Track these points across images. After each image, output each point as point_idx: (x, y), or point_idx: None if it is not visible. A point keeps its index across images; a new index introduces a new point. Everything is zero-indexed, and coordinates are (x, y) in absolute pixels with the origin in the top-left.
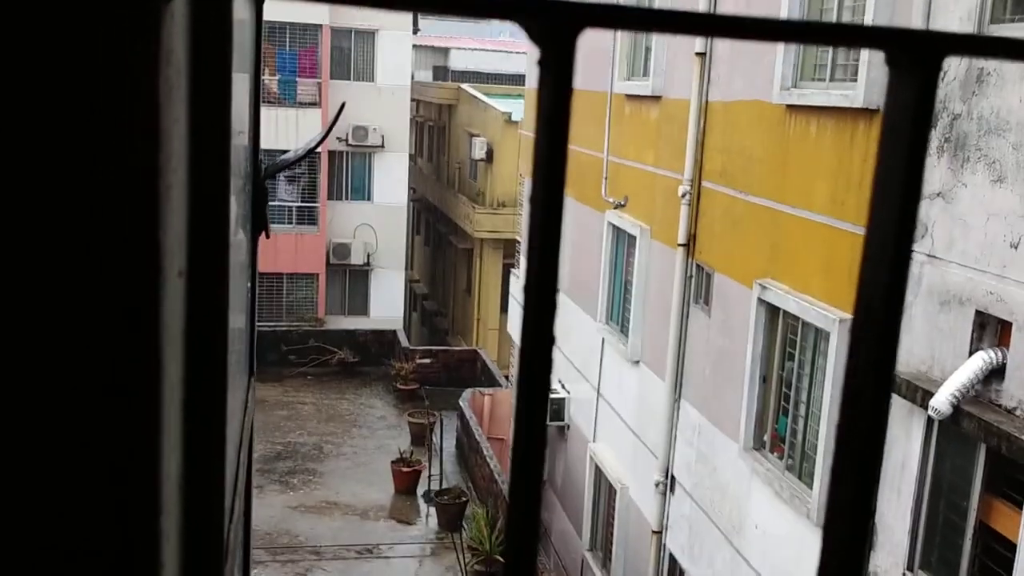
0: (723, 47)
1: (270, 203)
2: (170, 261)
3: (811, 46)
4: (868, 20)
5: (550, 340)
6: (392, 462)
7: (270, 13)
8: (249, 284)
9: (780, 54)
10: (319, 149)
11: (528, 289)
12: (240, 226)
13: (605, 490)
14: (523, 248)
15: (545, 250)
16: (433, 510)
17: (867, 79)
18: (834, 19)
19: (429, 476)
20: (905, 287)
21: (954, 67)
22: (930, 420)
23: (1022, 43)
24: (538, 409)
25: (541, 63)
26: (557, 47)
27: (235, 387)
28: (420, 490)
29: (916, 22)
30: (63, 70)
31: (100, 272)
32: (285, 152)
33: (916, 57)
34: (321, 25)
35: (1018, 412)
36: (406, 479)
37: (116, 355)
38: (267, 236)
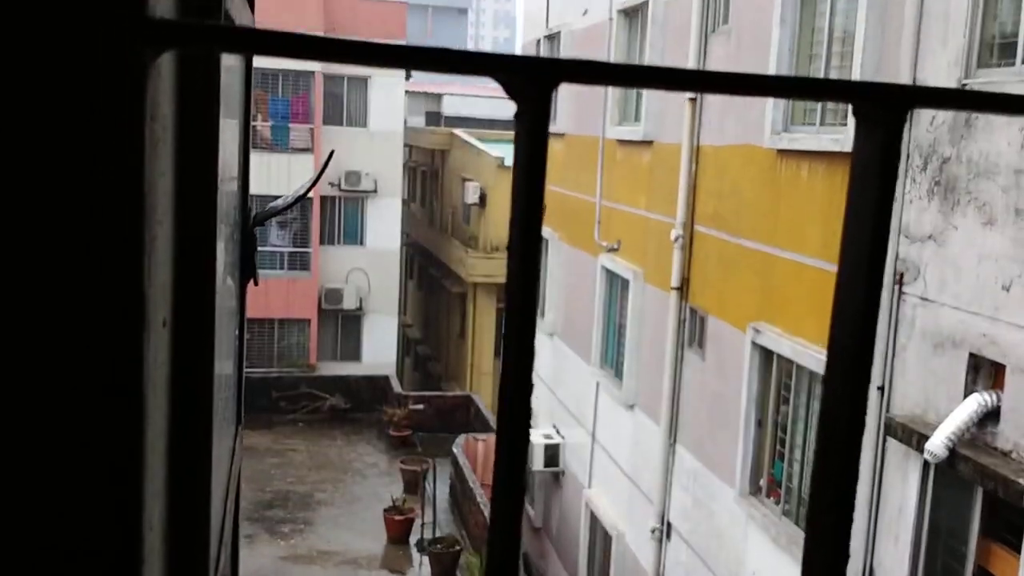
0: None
1: (262, 248)
2: (155, 311)
3: (780, 99)
4: (856, 63)
5: (528, 386)
6: (384, 510)
7: (262, 60)
8: (237, 331)
9: (770, 99)
10: (311, 194)
11: (507, 340)
12: (228, 273)
13: (601, 537)
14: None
15: (523, 295)
16: (426, 559)
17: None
18: (823, 62)
19: (422, 524)
20: (874, 338)
21: (942, 111)
22: (926, 464)
23: (985, 95)
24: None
25: (517, 116)
26: (533, 101)
27: (222, 435)
28: (413, 539)
29: (904, 66)
30: (50, 125)
31: (83, 322)
32: (278, 198)
33: (881, 109)
34: (314, 72)
35: (1014, 455)
36: (399, 528)
37: (98, 404)
38: (255, 283)
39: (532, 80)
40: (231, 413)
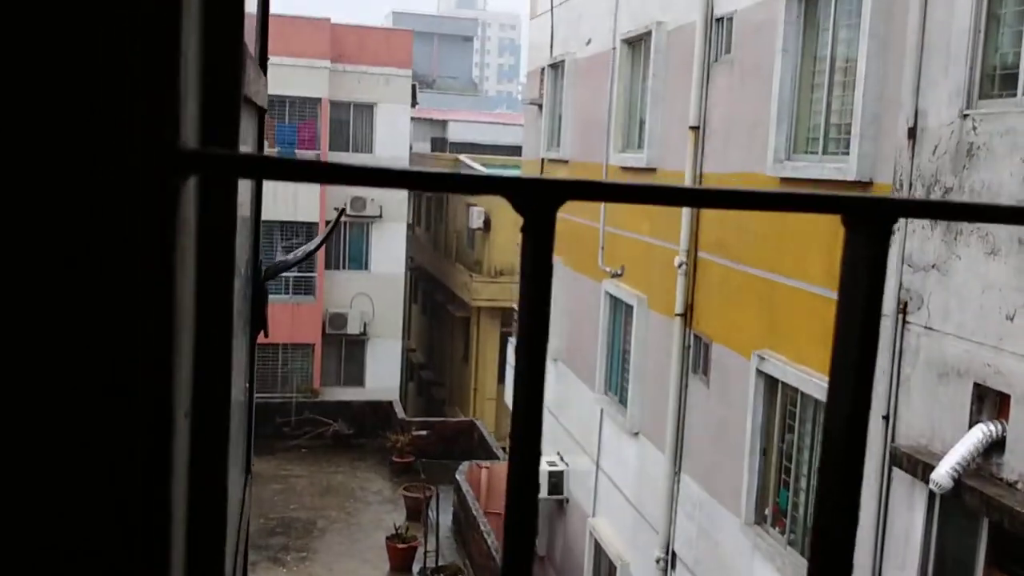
0: (717, 120)
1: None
2: (178, 406)
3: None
4: (859, 93)
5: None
6: (387, 538)
7: (270, 86)
8: (247, 384)
9: (773, 127)
10: (316, 219)
11: (513, 439)
12: (240, 329)
13: (605, 566)
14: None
15: (529, 400)
16: None
17: (859, 152)
18: (825, 92)
19: (425, 552)
20: (865, 438)
21: (944, 140)
22: (932, 494)
23: (969, 207)
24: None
25: (524, 230)
26: (539, 217)
27: (231, 489)
28: (416, 567)
29: (906, 96)
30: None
31: (113, 419)
32: (284, 223)
33: (869, 220)
34: (320, 98)
35: (1019, 485)
36: (401, 556)
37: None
38: (266, 335)
39: (539, 199)
40: (240, 465)
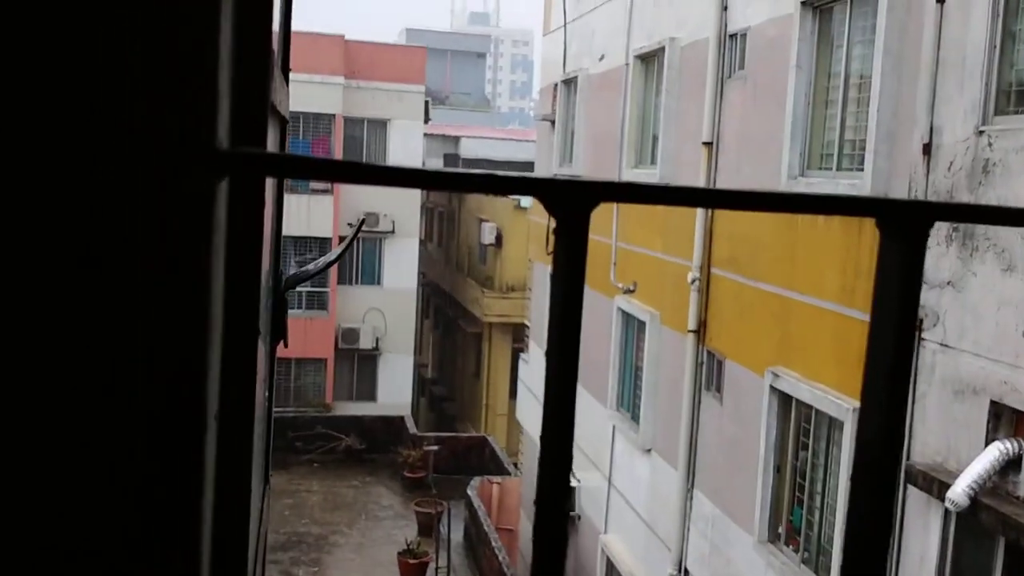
0: (730, 136)
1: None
2: (209, 408)
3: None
4: (873, 109)
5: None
6: (398, 553)
7: None
8: (267, 393)
9: (787, 142)
10: (330, 234)
11: (544, 445)
12: (261, 339)
13: None
14: (530, 340)
15: (561, 400)
16: None
17: (874, 169)
18: (839, 108)
19: (436, 568)
20: (902, 447)
21: (959, 156)
22: (947, 512)
23: (1006, 210)
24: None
25: (557, 231)
26: (572, 218)
27: (252, 499)
28: None
29: (920, 113)
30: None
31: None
32: (298, 238)
33: (904, 223)
34: (334, 115)
35: None
36: (413, 571)
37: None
38: (285, 345)
39: (572, 199)
40: (260, 474)
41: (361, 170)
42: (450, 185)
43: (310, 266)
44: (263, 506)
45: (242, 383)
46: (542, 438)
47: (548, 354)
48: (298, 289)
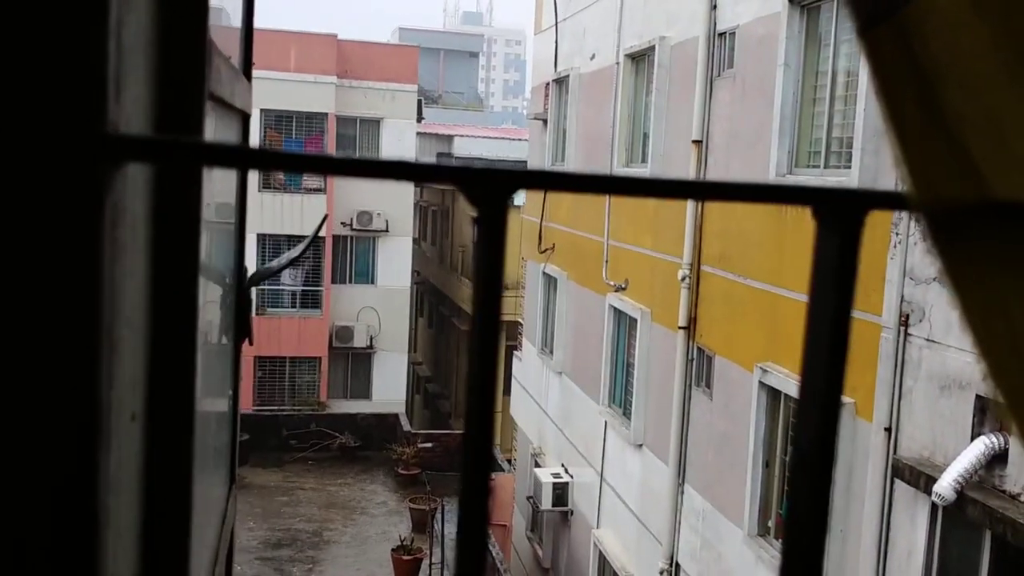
0: (719, 134)
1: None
2: (119, 409)
3: (752, 203)
4: (860, 107)
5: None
6: (392, 550)
7: (277, 102)
8: (232, 392)
9: (775, 141)
10: (323, 233)
11: (466, 442)
12: (224, 334)
13: None
14: (523, 338)
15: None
16: None
17: (861, 166)
18: (827, 106)
19: (431, 564)
20: (837, 429)
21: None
22: (934, 507)
23: None
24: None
25: (476, 222)
26: (491, 208)
27: (211, 498)
28: None
29: None
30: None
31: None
32: (291, 237)
33: (840, 213)
34: (327, 113)
35: (1022, 498)
36: (407, 567)
37: (54, 503)
38: (250, 343)
39: (490, 189)
40: (224, 476)
41: (263, 157)
42: (361, 172)
43: (273, 263)
44: (227, 506)
45: (178, 381)
46: (463, 436)
47: (470, 347)
48: (291, 288)
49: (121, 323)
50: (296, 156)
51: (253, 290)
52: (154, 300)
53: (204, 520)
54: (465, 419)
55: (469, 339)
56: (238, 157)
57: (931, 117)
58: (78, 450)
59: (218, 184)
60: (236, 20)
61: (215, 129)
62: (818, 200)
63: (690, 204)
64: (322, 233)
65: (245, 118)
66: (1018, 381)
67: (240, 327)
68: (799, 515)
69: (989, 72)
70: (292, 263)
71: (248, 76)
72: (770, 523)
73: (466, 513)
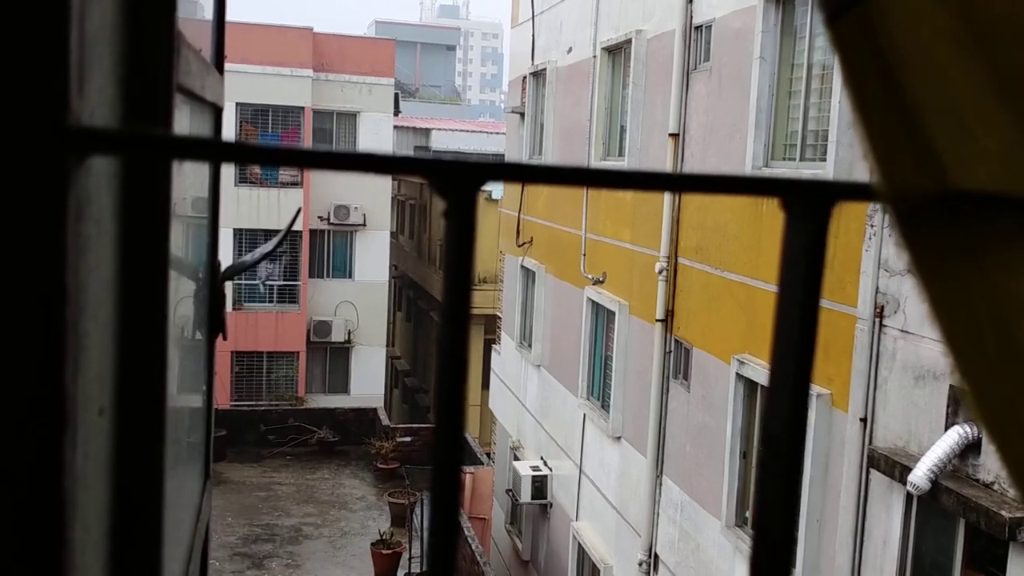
0: (696, 127)
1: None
2: (86, 404)
3: (722, 195)
4: (835, 99)
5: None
6: (372, 544)
7: (253, 95)
8: (206, 387)
9: (751, 133)
10: (300, 228)
11: (438, 429)
12: (196, 329)
13: (589, 570)
14: (502, 331)
15: (451, 382)
16: None
17: (836, 159)
18: (802, 98)
19: (410, 558)
20: (805, 423)
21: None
22: (909, 496)
23: None
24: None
25: (445, 214)
26: (461, 199)
27: (185, 494)
28: (401, 573)
29: None
30: None
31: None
32: (268, 231)
33: (809, 204)
34: (303, 107)
35: (995, 487)
36: (386, 562)
37: (16, 508)
38: (224, 338)
39: (458, 182)
40: (198, 471)
41: (232, 149)
42: (330, 164)
43: (247, 257)
44: (202, 501)
45: (147, 376)
46: (435, 430)
47: (439, 338)
48: (269, 283)
49: (87, 318)
50: (265, 148)
51: (227, 284)
52: (122, 294)
53: (178, 516)
54: (435, 407)
55: (438, 332)
56: (206, 150)
57: (895, 107)
58: (43, 442)
59: (190, 178)
60: (208, 13)
61: (186, 123)
62: (787, 191)
63: (667, 197)
64: (299, 227)
65: (217, 112)
66: (982, 373)
67: (213, 322)
68: (769, 501)
69: (949, 62)
70: (266, 257)
71: (220, 69)
72: (748, 514)
73: (438, 501)
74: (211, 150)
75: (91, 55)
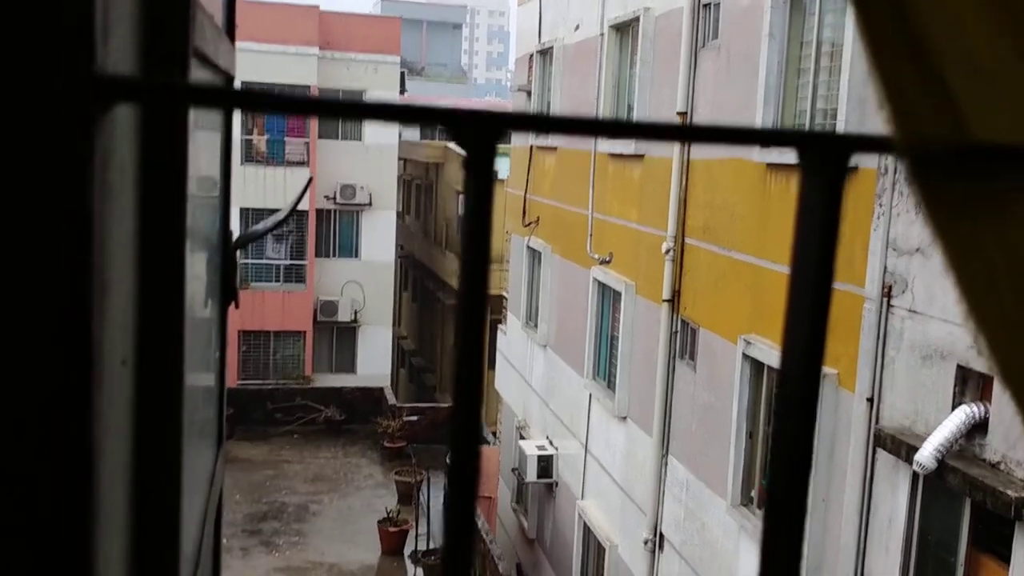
0: (704, 106)
1: (258, 261)
2: (110, 351)
3: (736, 146)
4: (844, 77)
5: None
6: (379, 522)
7: (259, 74)
8: (218, 353)
9: (759, 111)
10: (307, 207)
11: (457, 378)
12: (208, 296)
13: (594, 548)
14: (508, 311)
15: (469, 333)
16: (420, 571)
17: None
18: (811, 76)
19: (416, 536)
20: (818, 382)
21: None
22: (915, 475)
23: None
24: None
25: (466, 164)
26: (481, 149)
27: (199, 459)
28: (407, 550)
29: None
30: None
31: (29, 371)
32: (274, 211)
33: (825, 157)
34: (309, 86)
35: (1002, 466)
36: (393, 539)
37: (46, 443)
38: (236, 306)
39: (479, 130)
40: (212, 436)
41: (247, 97)
42: (347, 114)
43: (259, 226)
44: (215, 467)
45: (166, 329)
46: (453, 394)
47: (458, 292)
48: (275, 262)
49: (111, 266)
50: (281, 97)
51: (238, 256)
52: (143, 245)
53: (193, 477)
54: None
55: (458, 288)
56: (223, 97)
57: (912, 55)
58: (71, 382)
59: (204, 153)
60: None
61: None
62: (803, 143)
63: (675, 177)
64: (305, 207)
65: (229, 80)
66: (997, 323)
67: (226, 289)
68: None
69: (966, 10)
70: (279, 225)
71: (231, 38)
72: (753, 493)
73: (456, 476)
74: (231, 98)
75: (114, 13)
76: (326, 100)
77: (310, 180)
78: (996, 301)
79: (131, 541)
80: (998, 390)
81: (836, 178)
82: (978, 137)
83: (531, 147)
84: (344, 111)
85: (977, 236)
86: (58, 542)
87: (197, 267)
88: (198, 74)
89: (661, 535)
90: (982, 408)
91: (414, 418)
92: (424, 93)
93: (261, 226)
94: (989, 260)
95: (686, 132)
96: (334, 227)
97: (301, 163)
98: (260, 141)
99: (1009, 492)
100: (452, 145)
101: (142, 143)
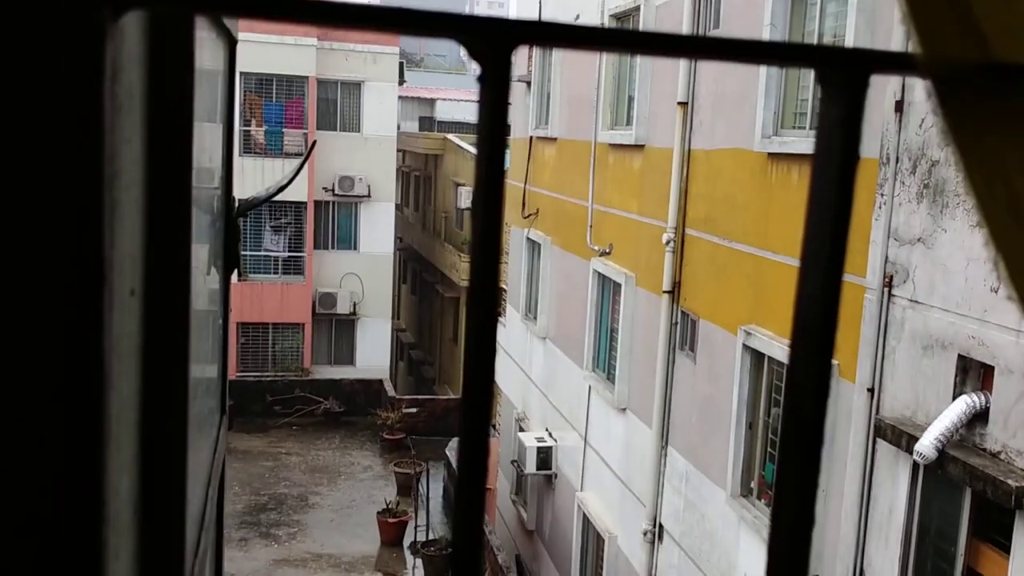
0: (705, 97)
1: (257, 253)
2: (120, 279)
3: (751, 64)
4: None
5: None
6: (378, 513)
7: (257, 65)
8: (222, 321)
9: (761, 102)
10: (305, 199)
11: (470, 305)
12: (212, 263)
13: (593, 539)
14: (507, 304)
15: (486, 260)
16: (420, 562)
17: None
18: (812, 75)
19: (416, 527)
20: (838, 306)
21: (930, 114)
22: (916, 465)
23: None
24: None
25: (480, 78)
26: (494, 61)
27: (203, 419)
28: (407, 541)
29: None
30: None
31: (39, 284)
32: (272, 203)
33: (845, 74)
34: (308, 77)
35: (1002, 456)
36: (392, 530)
37: (57, 368)
38: (240, 276)
39: (494, 40)
40: (216, 401)
41: (255, 2)
42: (356, 22)
43: (261, 192)
44: (219, 434)
45: (173, 260)
46: (468, 314)
47: (472, 216)
48: (274, 254)
49: (120, 185)
50: (287, 2)
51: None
52: (149, 171)
53: (198, 443)
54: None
55: (472, 208)
56: (233, 3)
57: None
58: (82, 297)
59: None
60: None
61: (204, 48)
62: (822, 60)
63: (675, 167)
64: (303, 198)
65: (232, 44)
66: (1017, 244)
67: (229, 256)
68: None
69: None
70: (280, 191)
71: None
72: (753, 484)
73: (466, 464)
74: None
75: None
76: (339, 4)
77: (314, 143)
78: (1017, 222)
79: (139, 474)
80: (999, 379)
81: (856, 96)
82: (1000, 58)
83: (530, 138)
84: (353, 18)
85: (999, 156)
86: (71, 456)
87: (203, 231)
88: (204, 38)
89: (660, 526)
90: (983, 398)
91: (413, 410)
92: (423, 84)
93: (263, 192)
94: (1010, 180)
95: (702, 45)
96: (333, 219)
97: (300, 154)
98: (258, 132)
99: (1009, 481)
100: (450, 136)
101: (150, 60)
